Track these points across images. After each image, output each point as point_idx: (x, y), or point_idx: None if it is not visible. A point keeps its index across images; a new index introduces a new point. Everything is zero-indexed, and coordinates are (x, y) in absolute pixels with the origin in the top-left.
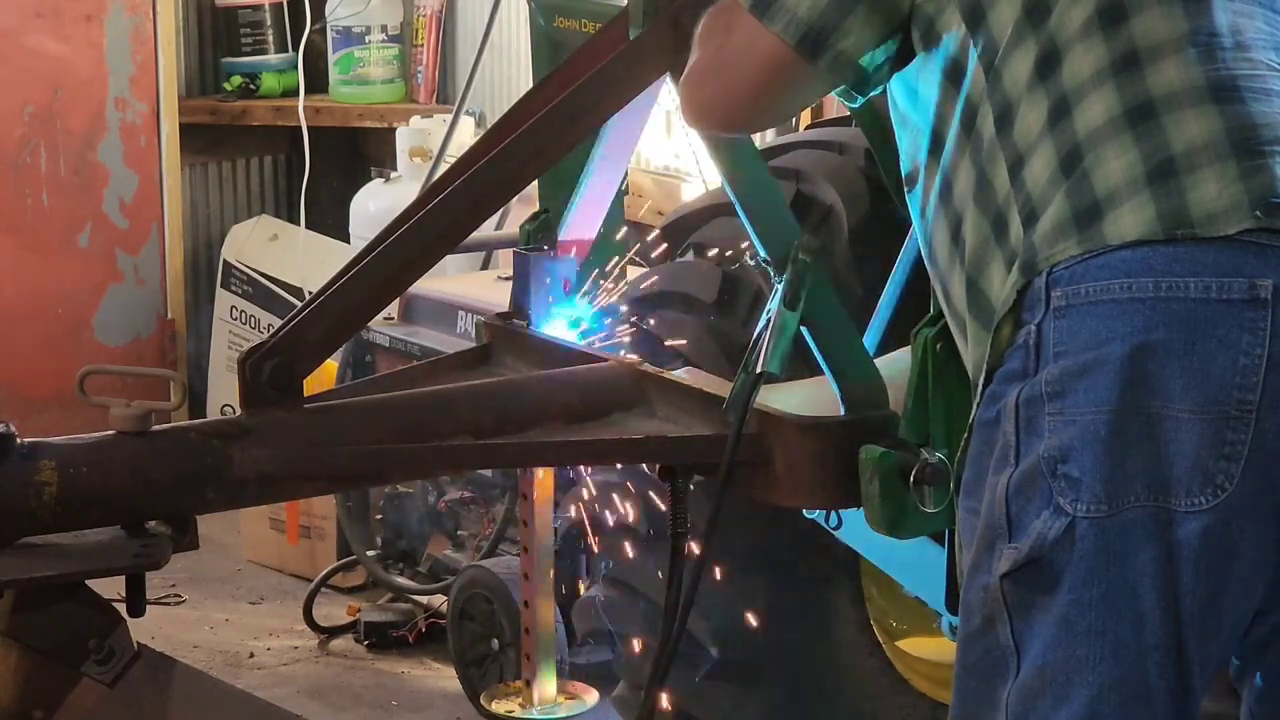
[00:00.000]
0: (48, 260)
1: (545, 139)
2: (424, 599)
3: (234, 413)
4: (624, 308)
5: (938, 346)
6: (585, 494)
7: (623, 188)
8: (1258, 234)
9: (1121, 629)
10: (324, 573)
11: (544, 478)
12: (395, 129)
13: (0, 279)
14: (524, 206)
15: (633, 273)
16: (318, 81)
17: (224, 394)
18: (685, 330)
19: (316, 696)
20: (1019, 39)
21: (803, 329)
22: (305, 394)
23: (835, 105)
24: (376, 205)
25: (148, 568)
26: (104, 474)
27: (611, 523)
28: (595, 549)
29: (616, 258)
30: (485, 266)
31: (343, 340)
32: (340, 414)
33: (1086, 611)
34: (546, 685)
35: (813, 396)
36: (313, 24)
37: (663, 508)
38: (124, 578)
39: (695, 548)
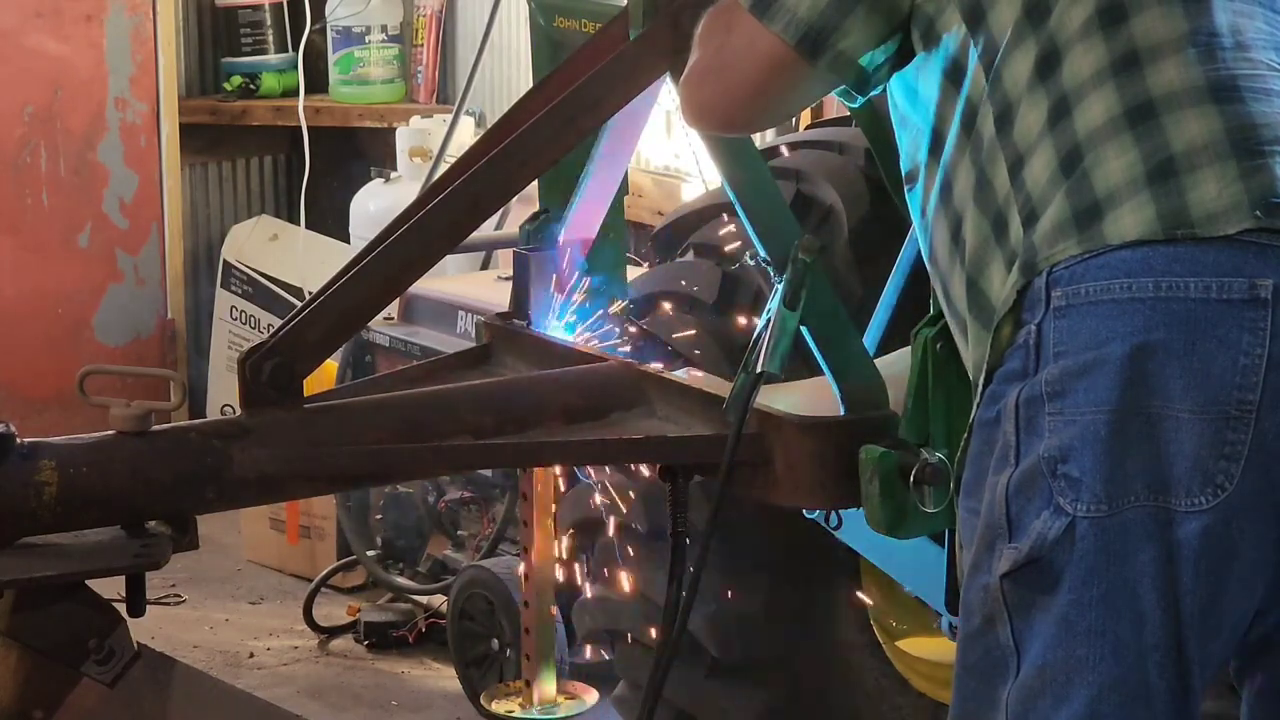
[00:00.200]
0: (48, 260)
1: (545, 139)
2: (424, 599)
3: (234, 413)
4: (624, 308)
5: (938, 346)
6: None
7: (623, 188)
8: (1258, 234)
9: (1121, 629)
10: (324, 573)
11: (545, 477)
12: (395, 129)
13: (0, 279)
14: (524, 206)
15: (633, 273)
16: (318, 81)
17: (224, 394)
18: (685, 330)
19: (316, 696)
20: (1019, 39)
21: (803, 329)
22: (305, 394)
23: (835, 105)
24: (376, 205)
25: (148, 568)
26: (104, 474)
27: (611, 522)
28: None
29: (617, 259)
30: (485, 266)
31: (343, 340)
32: (340, 414)
33: (1086, 611)
34: (546, 685)
35: (813, 396)
36: (313, 24)
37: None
38: (124, 578)
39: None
